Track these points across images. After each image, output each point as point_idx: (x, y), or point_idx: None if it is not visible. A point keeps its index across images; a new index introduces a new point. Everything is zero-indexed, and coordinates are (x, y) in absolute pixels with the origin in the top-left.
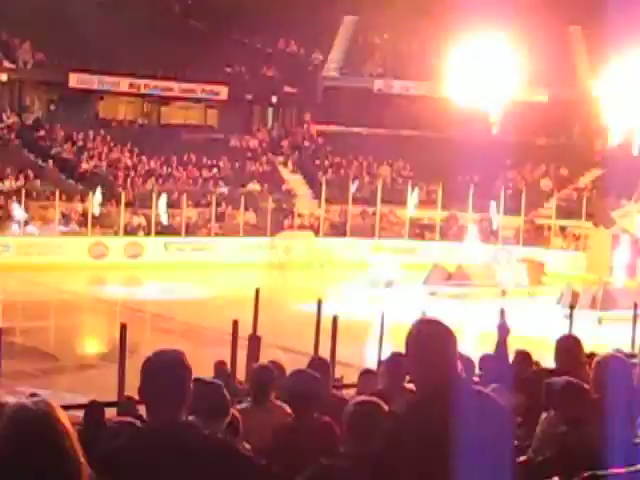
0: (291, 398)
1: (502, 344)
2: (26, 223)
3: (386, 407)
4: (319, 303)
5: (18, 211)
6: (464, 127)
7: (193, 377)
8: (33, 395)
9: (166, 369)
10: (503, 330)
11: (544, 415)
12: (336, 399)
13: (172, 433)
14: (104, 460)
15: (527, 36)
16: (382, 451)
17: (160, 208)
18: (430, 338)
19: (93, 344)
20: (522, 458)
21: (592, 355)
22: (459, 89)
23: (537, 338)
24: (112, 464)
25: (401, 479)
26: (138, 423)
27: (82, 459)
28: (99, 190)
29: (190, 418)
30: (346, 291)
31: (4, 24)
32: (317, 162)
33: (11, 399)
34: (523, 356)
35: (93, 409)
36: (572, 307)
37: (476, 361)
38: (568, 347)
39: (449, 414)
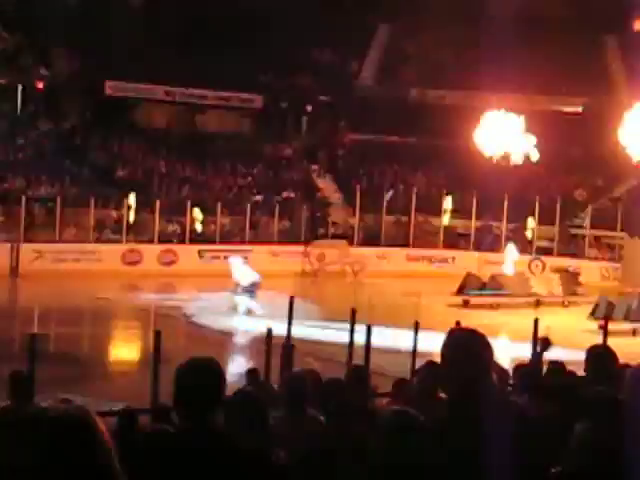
0: (325, 408)
1: (539, 355)
2: None
3: (421, 417)
4: (353, 312)
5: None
6: None
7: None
8: (65, 401)
9: (199, 376)
10: (545, 343)
11: (577, 427)
12: (371, 408)
13: (205, 441)
14: (138, 467)
15: (561, 46)
16: (416, 462)
17: (195, 215)
18: (465, 347)
19: (127, 351)
20: (553, 470)
21: (626, 366)
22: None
23: (571, 349)
24: (145, 471)
25: None
26: (171, 430)
27: (117, 466)
28: (133, 197)
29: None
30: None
31: (40, 32)
32: (351, 171)
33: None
34: (557, 366)
35: (126, 416)
36: (607, 318)
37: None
38: (598, 357)
39: (481, 424)
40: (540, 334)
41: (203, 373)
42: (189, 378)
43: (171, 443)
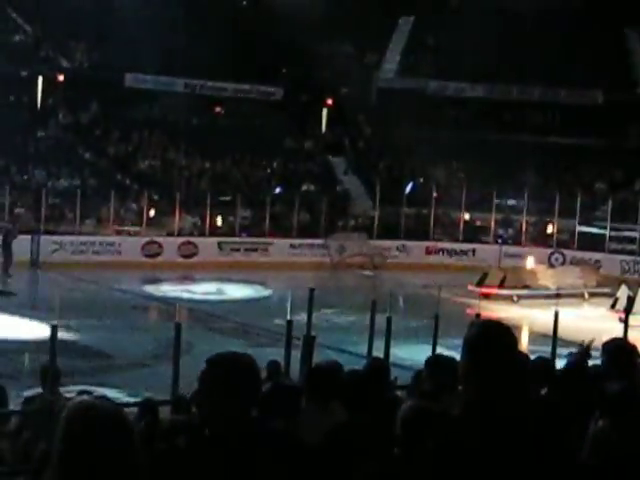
0: (346, 399)
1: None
2: None
3: (439, 408)
4: (373, 304)
5: None
6: (519, 129)
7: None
8: (83, 393)
9: (241, 374)
10: (584, 354)
11: (598, 422)
12: (391, 400)
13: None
14: (164, 459)
15: (582, 37)
16: (438, 453)
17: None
18: (489, 340)
19: (147, 343)
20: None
21: None
22: None
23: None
24: (173, 464)
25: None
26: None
27: (140, 458)
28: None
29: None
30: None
31: (61, 25)
32: (372, 163)
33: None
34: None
35: (148, 407)
36: (627, 311)
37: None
38: (615, 351)
39: (506, 418)
40: (586, 342)
41: (244, 370)
42: (230, 376)
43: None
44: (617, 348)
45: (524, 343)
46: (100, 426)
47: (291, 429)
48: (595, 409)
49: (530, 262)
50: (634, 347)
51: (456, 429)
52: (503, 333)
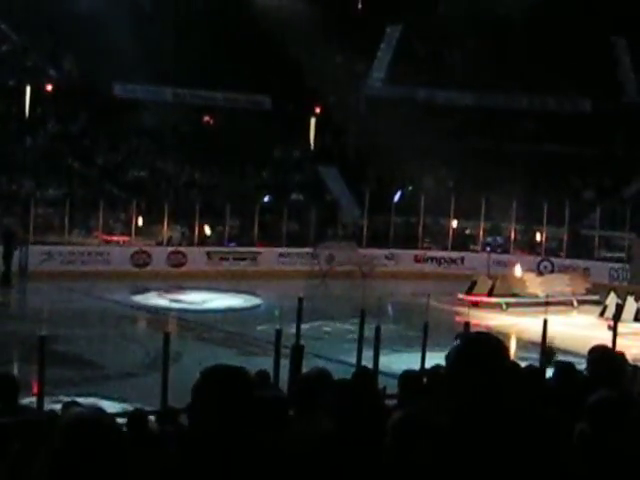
0: (333, 409)
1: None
2: None
3: (431, 420)
4: (362, 313)
5: None
6: (507, 137)
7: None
8: (72, 403)
9: (234, 387)
10: (549, 354)
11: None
12: (379, 410)
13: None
14: (154, 468)
15: (570, 47)
16: (428, 463)
17: (205, 231)
18: (477, 350)
19: (136, 353)
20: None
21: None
22: None
23: (580, 350)
24: (163, 473)
25: None
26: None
27: (128, 469)
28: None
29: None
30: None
31: (49, 35)
32: (360, 172)
33: (56, 407)
34: (564, 368)
35: (137, 418)
36: (616, 319)
37: None
38: (599, 358)
39: (494, 427)
40: (547, 343)
41: (237, 383)
42: (224, 388)
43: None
44: (595, 355)
45: (513, 351)
46: (93, 439)
47: (277, 441)
48: (581, 417)
49: (518, 270)
50: (621, 354)
51: (446, 440)
52: (490, 345)
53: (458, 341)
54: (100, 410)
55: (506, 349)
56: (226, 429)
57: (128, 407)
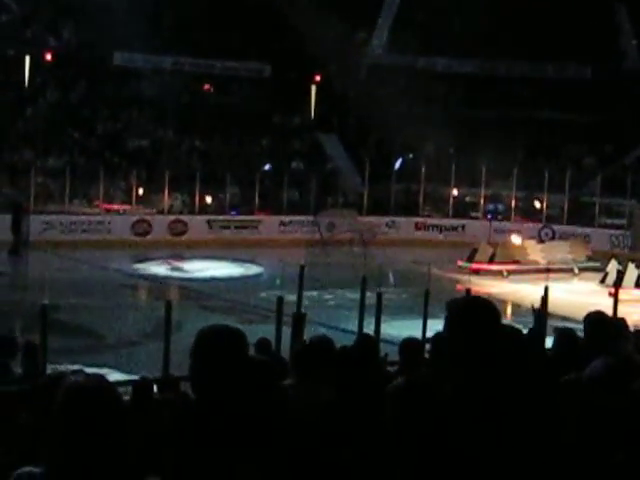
0: (336, 376)
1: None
2: None
3: (432, 386)
4: (363, 281)
5: None
6: (507, 104)
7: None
8: (78, 372)
9: (229, 345)
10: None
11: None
12: (382, 377)
13: (224, 409)
14: (155, 436)
15: (570, 13)
16: (429, 431)
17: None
18: (473, 315)
19: (137, 321)
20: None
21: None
22: None
23: (580, 317)
24: (165, 439)
25: (448, 459)
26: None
27: (129, 439)
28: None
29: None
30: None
31: (49, 3)
32: (361, 140)
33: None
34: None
35: (142, 386)
36: (617, 285)
37: None
38: (595, 323)
39: (495, 392)
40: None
41: (232, 342)
42: (219, 347)
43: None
44: (591, 321)
45: (514, 318)
46: (96, 406)
47: (277, 406)
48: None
49: (517, 238)
50: (622, 320)
51: (448, 409)
52: (485, 308)
53: (453, 305)
54: (101, 377)
55: (497, 311)
56: (220, 388)
57: (131, 376)
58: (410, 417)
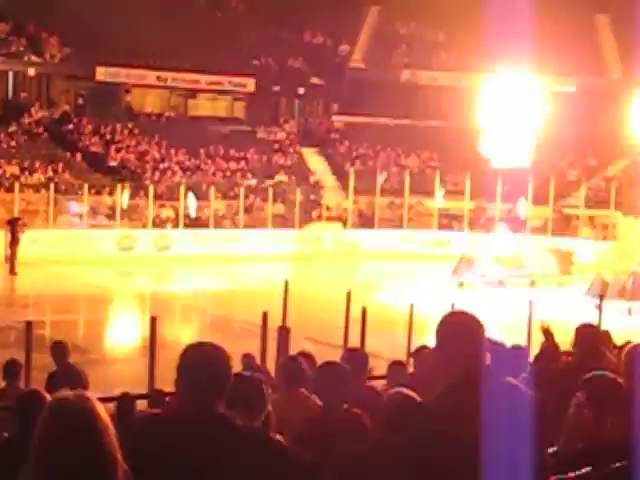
0: (320, 390)
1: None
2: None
3: (418, 398)
4: (348, 294)
5: (75, 207)
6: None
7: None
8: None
9: (206, 362)
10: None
11: (574, 401)
12: (368, 390)
13: (205, 423)
14: (135, 451)
15: (553, 25)
16: (413, 441)
17: (189, 200)
18: (460, 330)
19: (123, 337)
20: (551, 450)
21: (622, 346)
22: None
23: (566, 329)
24: (143, 455)
25: (431, 468)
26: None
27: (118, 454)
28: (127, 185)
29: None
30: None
31: (31, 18)
32: (344, 153)
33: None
34: (550, 349)
35: (124, 401)
36: (601, 297)
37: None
38: (585, 335)
39: (478, 404)
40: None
41: (214, 359)
42: (201, 364)
43: (173, 427)
44: (581, 333)
45: (498, 331)
46: (78, 424)
47: (258, 424)
48: (571, 396)
49: (505, 249)
50: (598, 331)
51: (430, 417)
52: (471, 323)
53: (442, 319)
54: (84, 393)
55: (481, 325)
56: (199, 405)
57: (115, 391)
58: (398, 427)
